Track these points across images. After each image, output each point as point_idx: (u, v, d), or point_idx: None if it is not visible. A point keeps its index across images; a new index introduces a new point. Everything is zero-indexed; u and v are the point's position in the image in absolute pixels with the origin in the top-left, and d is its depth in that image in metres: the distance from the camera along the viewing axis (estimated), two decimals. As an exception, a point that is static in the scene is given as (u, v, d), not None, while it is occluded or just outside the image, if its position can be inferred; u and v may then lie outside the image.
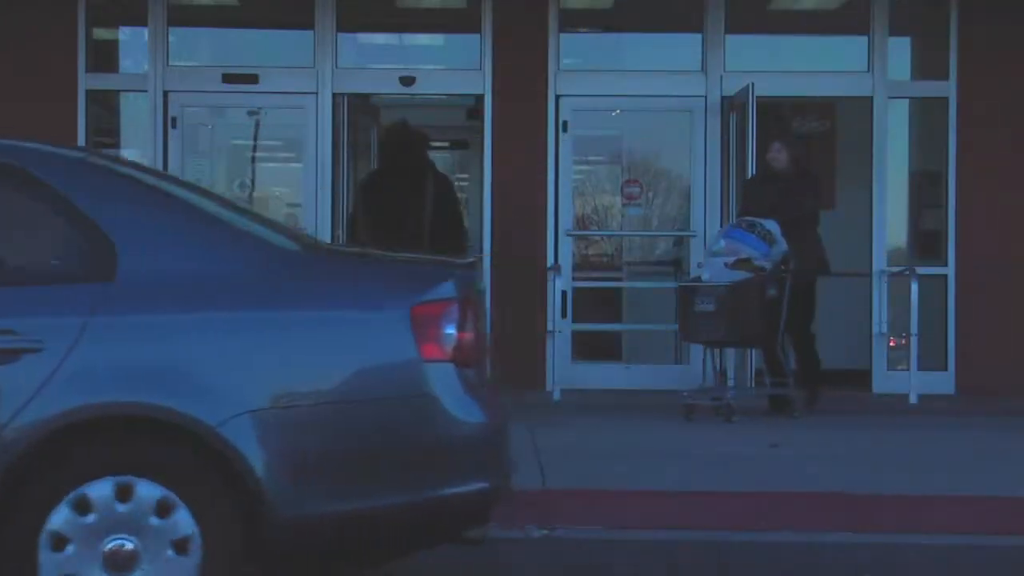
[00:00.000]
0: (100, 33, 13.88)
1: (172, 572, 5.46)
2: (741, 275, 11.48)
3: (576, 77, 13.72)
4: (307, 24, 13.64)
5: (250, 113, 14.14)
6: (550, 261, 13.46)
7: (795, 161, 12.12)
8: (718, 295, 11.46)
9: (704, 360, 12.49)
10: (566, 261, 13.58)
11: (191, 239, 5.77)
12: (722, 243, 11.74)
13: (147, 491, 5.47)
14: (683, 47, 13.93)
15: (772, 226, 11.54)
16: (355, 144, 14.36)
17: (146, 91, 13.55)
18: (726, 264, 11.56)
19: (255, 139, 14.87)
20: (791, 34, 14.39)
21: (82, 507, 5.45)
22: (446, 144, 17.14)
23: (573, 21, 13.93)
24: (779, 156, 12.06)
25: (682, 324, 12.04)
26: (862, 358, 13.63)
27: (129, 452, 5.53)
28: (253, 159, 14.84)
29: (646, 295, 14.13)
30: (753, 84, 12.78)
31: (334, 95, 13.62)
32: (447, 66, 14.22)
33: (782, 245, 11.52)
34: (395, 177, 12.17)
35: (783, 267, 11.57)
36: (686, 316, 11.81)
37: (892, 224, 13.83)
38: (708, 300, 11.48)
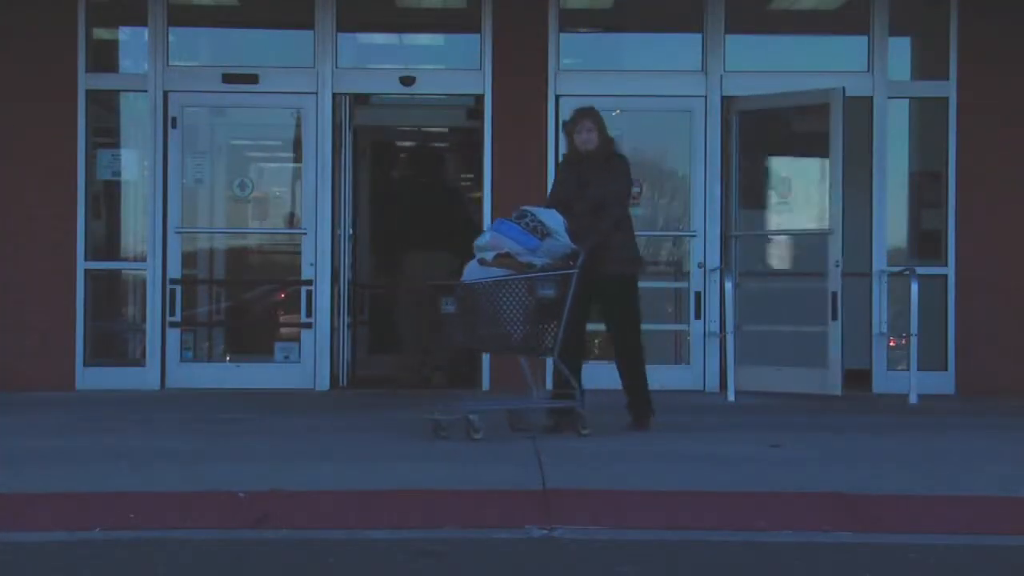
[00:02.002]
0: (100, 33, 13.89)
1: None
2: (496, 272, 10.19)
3: (576, 77, 13.73)
4: (307, 24, 13.65)
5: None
6: (550, 261, 13.45)
7: (606, 144, 10.71)
8: (459, 295, 10.20)
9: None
10: (566, 261, 13.57)
11: None
12: (487, 237, 10.46)
13: None
14: (683, 47, 13.94)
15: (549, 217, 10.26)
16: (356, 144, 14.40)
17: (146, 91, 13.57)
18: (481, 261, 10.30)
19: (255, 139, 14.89)
20: (791, 34, 14.39)
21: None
22: (446, 144, 17.17)
23: (573, 21, 13.94)
24: (590, 137, 10.61)
25: (430, 327, 10.99)
26: (862, 358, 13.63)
27: None
28: (253, 159, 14.84)
29: (646, 295, 14.10)
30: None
31: (334, 95, 13.63)
32: (447, 66, 14.22)
33: (560, 239, 10.18)
34: None
35: (571, 263, 10.20)
36: (433, 319, 10.65)
37: (892, 224, 13.83)
38: (451, 301, 10.19)
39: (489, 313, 10.13)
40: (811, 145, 14.04)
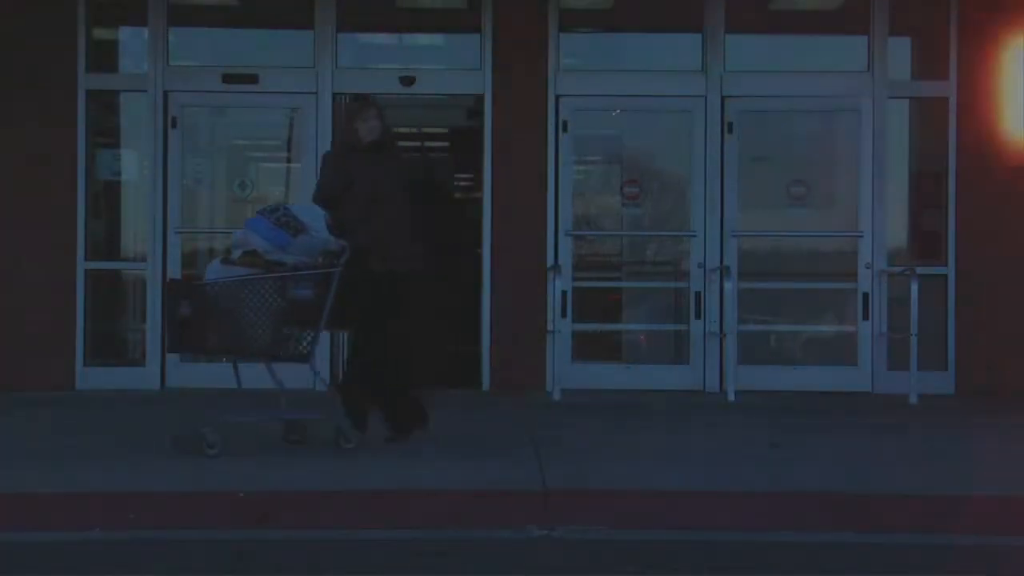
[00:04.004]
0: (100, 33, 13.88)
1: None
2: (238, 272, 9.44)
3: (576, 77, 13.72)
4: (307, 24, 13.65)
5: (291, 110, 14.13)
6: (550, 261, 13.47)
7: (389, 134, 10.18)
8: (193, 297, 9.41)
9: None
10: (566, 261, 13.59)
11: None
12: (238, 234, 9.79)
13: None
14: (683, 47, 13.93)
15: (305, 212, 9.60)
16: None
17: (146, 91, 13.56)
18: (225, 260, 9.65)
19: (255, 139, 14.88)
20: (791, 34, 14.38)
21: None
22: (445, 144, 17.16)
23: (573, 21, 13.93)
24: (375, 126, 9.89)
25: (167, 332, 9.94)
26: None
27: None
28: (253, 159, 14.83)
29: (646, 295, 14.11)
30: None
31: (334, 95, 13.62)
32: (447, 66, 14.22)
33: (317, 235, 9.48)
34: None
35: (336, 261, 9.49)
36: (168, 323, 9.72)
37: (892, 224, 13.82)
38: (187, 304, 9.36)
39: (229, 316, 9.32)
40: (829, 147, 14.09)
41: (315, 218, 9.53)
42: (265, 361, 9.59)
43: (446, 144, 17.92)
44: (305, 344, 9.49)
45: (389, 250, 9.71)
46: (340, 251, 9.47)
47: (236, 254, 9.55)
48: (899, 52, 13.93)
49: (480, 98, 13.67)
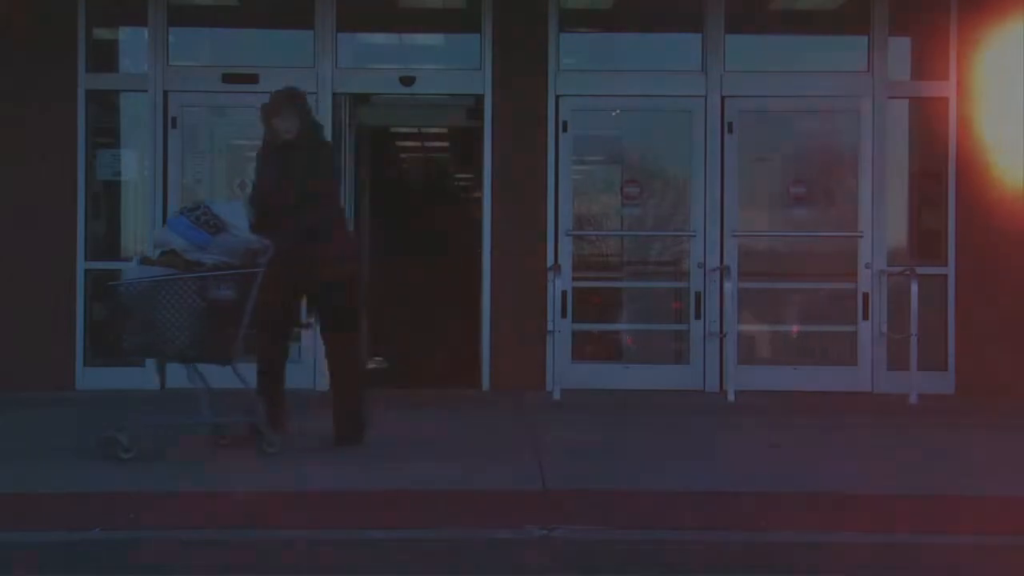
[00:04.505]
0: (100, 33, 13.88)
1: None
2: (156, 272, 9.30)
3: (576, 77, 13.72)
4: (307, 24, 13.65)
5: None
6: (550, 261, 13.47)
7: (309, 131, 9.78)
8: (107, 298, 9.31)
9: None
10: (566, 261, 13.59)
11: None
12: (157, 232, 9.65)
13: None
14: (683, 47, 13.93)
15: (227, 210, 9.42)
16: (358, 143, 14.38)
17: (146, 91, 13.56)
18: (145, 259, 9.56)
19: (255, 139, 14.87)
20: (791, 34, 14.38)
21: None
22: (445, 144, 17.17)
23: (573, 21, 13.93)
24: (290, 124, 9.65)
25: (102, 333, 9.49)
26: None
27: None
28: (253, 159, 14.82)
29: (645, 295, 14.12)
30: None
31: (334, 95, 13.63)
32: (447, 66, 14.21)
33: (238, 234, 9.31)
34: None
35: (260, 262, 9.32)
36: (100, 323, 9.45)
37: (892, 224, 13.82)
38: (100, 304, 9.24)
39: (146, 317, 9.19)
40: (829, 147, 14.09)
41: (237, 216, 9.35)
42: (184, 363, 9.42)
43: (446, 144, 17.94)
44: (226, 347, 9.27)
45: (286, 255, 9.38)
46: (263, 250, 9.29)
47: (156, 253, 9.42)
48: (899, 52, 13.93)
49: (480, 98, 13.67)
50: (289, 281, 9.49)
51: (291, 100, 9.73)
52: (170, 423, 9.78)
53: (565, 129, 13.60)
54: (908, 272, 13.20)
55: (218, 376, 9.40)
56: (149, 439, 9.40)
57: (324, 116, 13.55)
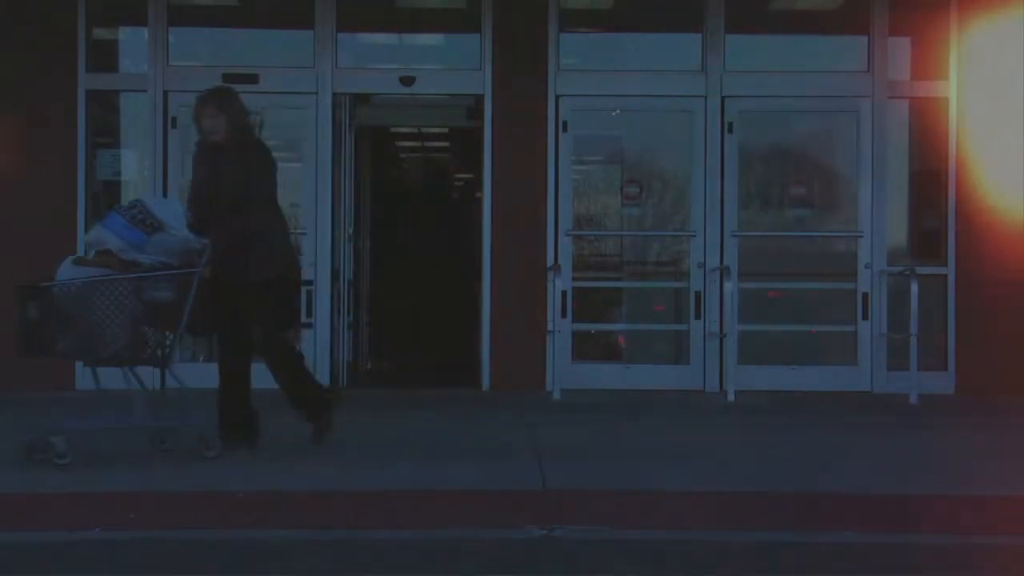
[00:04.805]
0: (100, 33, 13.87)
1: None
2: (90, 272, 9.05)
3: (576, 77, 13.72)
4: (307, 24, 13.64)
5: (254, 114, 14.11)
6: (550, 261, 13.47)
7: (240, 132, 9.55)
8: (39, 299, 8.98)
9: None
10: (566, 261, 13.58)
11: None
12: (91, 232, 9.45)
13: None
14: (683, 47, 13.93)
15: (163, 209, 9.19)
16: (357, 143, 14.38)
17: (146, 91, 13.56)
18: (79, 259, 9.32)
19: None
20: (791, 34, 14.38)
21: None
22: (445, 144, 17.16)
23: (573, 21, 13.92)
24: (216, 124, 9.42)
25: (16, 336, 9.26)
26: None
27: None
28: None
29: (646, 295, 14.12)
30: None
31: (334, 95, 13.63)
32: (447, 66, 14.21)
33: (175, 234, 9.06)
34: None
35: (199, 262, 9.14)
36: (17, 326, 9.19)
37: (892, 224, 13.82)
38: (32, 305, 8.94)
39: (79, 318, 8.92)
40: (829, 147, 14.10)
41: (174, 216, 9.15)
42: (120, 365, 9.17)
43: (446, 144, 17.94)
44: (165, 348, 9.10)
45: (220, 256, 9.27)
46: (202, 250, 9.12)
47: (90, 253, 9.20)
48: (899, 52, 13.92)
49: (480, 98, 13.66)
50: (225, 282, 9.31)
51: (219, 100, 9.50)
52: (105, 427, 9.35)
53: (565, 129, 13.60)
54: (908, 272, 13.20)
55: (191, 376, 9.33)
56: (91, 443, 9.13)
57: (324, 116, 13.57)
